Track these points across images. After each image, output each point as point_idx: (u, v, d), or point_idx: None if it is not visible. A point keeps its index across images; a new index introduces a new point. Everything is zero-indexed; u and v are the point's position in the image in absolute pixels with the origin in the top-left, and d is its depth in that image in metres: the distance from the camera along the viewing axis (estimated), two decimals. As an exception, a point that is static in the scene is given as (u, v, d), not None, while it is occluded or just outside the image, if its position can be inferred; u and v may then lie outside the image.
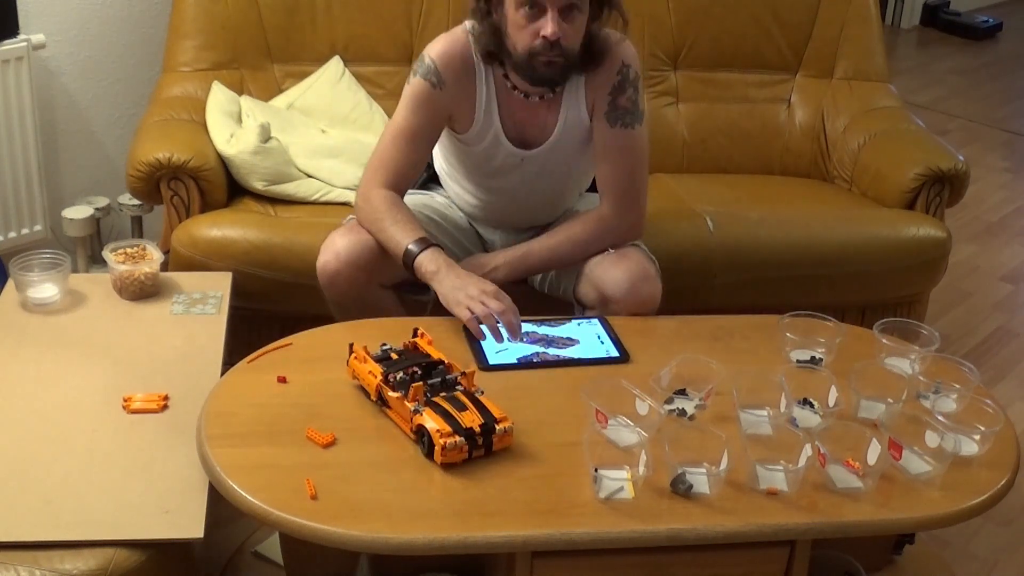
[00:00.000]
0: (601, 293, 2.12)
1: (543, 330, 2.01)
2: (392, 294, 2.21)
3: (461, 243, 2.33)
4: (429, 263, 2.01)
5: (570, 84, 2.14)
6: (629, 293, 2.09)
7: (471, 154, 2.23)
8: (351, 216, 2.22)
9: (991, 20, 6.28)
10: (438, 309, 2.21)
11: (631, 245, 2.20)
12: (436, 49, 2.12)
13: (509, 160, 2.20)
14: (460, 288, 1.98)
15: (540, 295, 2.38)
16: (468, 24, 2.12)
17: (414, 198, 2.33)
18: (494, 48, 2.07)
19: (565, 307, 2.27)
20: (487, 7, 2.05)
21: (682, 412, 1.78)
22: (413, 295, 2.24)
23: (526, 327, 2.01)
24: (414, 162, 2.16)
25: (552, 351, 1.95)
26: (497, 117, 2.15)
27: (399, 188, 2.14)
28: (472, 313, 1.94)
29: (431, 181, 2.42)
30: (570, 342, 1.98)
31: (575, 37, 2.03)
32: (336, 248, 2.10)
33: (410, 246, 2.03)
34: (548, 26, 1.98)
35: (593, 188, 2.41)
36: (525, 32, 2.01)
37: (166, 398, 1.87)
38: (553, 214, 2.35)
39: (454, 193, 2.36)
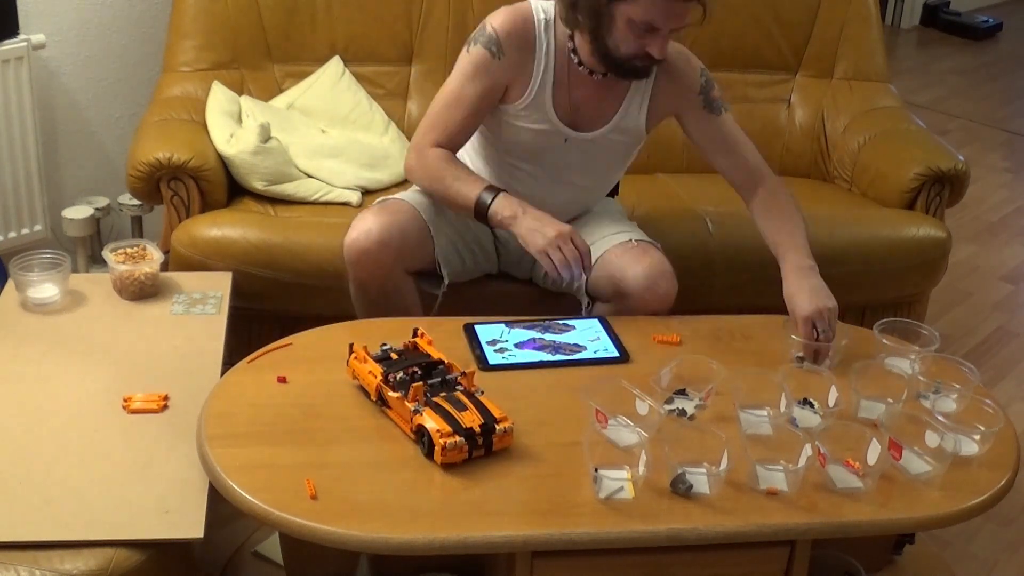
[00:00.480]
0: (619, 288, 2.12)
1: (549, 336, 2.01)
2: (413, 281, 2.21)
3: (470, 238, 2.33)
4: (504, 208, 2.05)
5: (637, 82, 2.17)
6: (648, 289, 2.09)
7: (512, 129, 2.22)
8: (383, 198, 2.25)
9: (991, 20, 6.28)
10: (447, 301, 2.22)
11: (648, 243, 2.21)
12: (499, 20, 2.13)
13: (552, 140, 2.20)
14: (538, 230, 2.03)
15: (540, 294, 2.38)
16: (536, 2, 2.15)
17: (422, 192, 2.33)
18: (590, 36, 2.07)
19: (565, 306, 2.27)
20: (593, 5, 2.03)
21: (682, 412, 1.79)
22: (425, 287, 2.25)
23: (531, 333, 2.01)
24: (466, 129, 2.18)
25: (559, 358, 1.95)
26: (550, 94, 2.16)
27: (452, 150, 2.17)
28: (550, 258, 2.01)
29: None
30: (577, 348, 1.98)
31: (671, 45, 2.10)
32: (368, 226, 2.10)
33: (482, 194, 2.07)
34: (658, 48, 2.04)
35: (611, 193, 2.42)
36: (632, 43, 2.04)
37: (166, 398, 1.87)
38: (571, 212, 2.34)
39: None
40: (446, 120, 2.16)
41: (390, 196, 2.28)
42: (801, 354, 1.96)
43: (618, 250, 2.18)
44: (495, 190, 2.08)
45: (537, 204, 2.28)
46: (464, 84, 2.14)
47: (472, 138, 2.28)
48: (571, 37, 2.14)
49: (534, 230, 2.03)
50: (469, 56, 2.14)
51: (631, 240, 2.20)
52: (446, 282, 2.24)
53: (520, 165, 2.26)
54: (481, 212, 2.08)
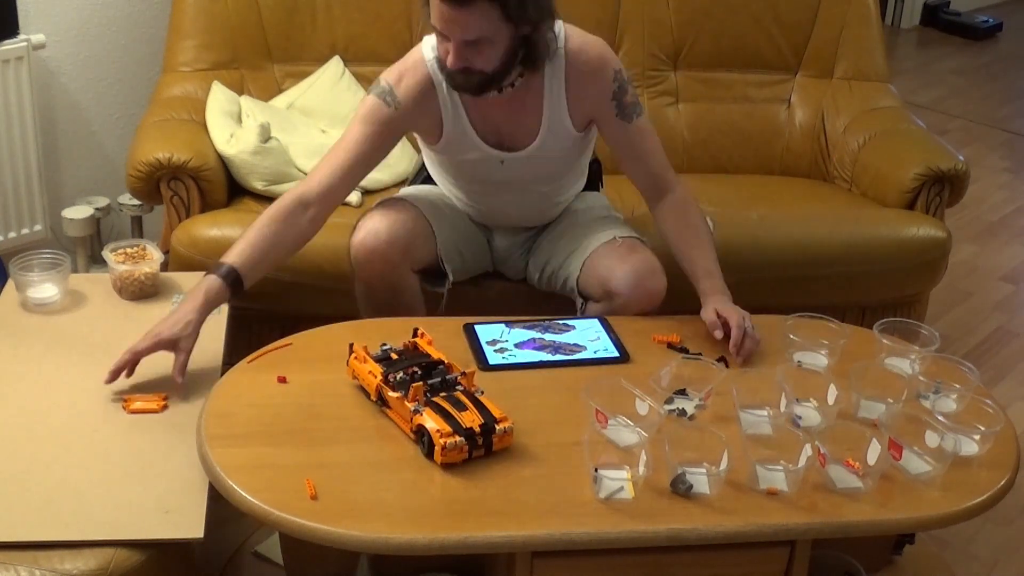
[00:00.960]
0: (606, 288, 2.13)
1: (549, 336, 2.01)
2: (417, 280, 2.21)
3: (468, 236, 2.34)
4: (196, 288, 1.95)
5: (550, 87, 2.11)
6: (636, 287, 2.09)
7: (451, 162, 2.24)
8: (384, 198, 2.25)
9: (991, 20, 6.28)
10: (452, 301, 2.22)
11: (636, 239, 2.21)
12: (393, 72, 2.11)
13: (490, 164, 2.19)
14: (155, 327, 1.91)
15: (539, 295, 2.38)
16: (425, 45, 2.10)
17: (425, 188, 2.34)
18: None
19: (565, 304, 2.27)
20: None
21: (682, 412, 1.78)
22: (429, 286, 2.25)
23: (531, 333, 2.01)
24: (350, 170, 2.08)
25: (559, 358, 1.95)
26: (468, 124, 2.14)
27: (326, 195, 2.05)
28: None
29: (431, 180, 2.41)
30: (577, 348, 1.98)
31: (488, 61, 1.99)
32: (376, 226, 2.10)
33: (213, 268, 1.97)
34: (450, 58, 1.98)
35: (591, 187, 2.41)
36: (440, 50, 2.01)
37: (166, 398, 1.87)
38: (548, 215, 2.35)
39: (452, 195, 2.36)
40: (331, 160, 2.08)
41: (390, 196, 2.29)
42: (799, 359, 1.96)
43: (604, 250, 2.18)
44: (217, 269, 1.95)
45: (510, 214, 2.30)
46: (353, 128, 2.09)
47: (431, 165, 2.31)
48: None
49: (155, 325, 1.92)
50: (363, 104, 2.11)
51: (615, 238, 2.20)
52: (451, 278, 2.24)
53: (475, 187, 2.28)
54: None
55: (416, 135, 2.26)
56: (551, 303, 2.34)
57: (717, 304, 2.02)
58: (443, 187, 2.35)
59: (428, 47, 2.10)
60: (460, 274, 2.30)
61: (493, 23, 1.94)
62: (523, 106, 2.13)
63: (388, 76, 2.11)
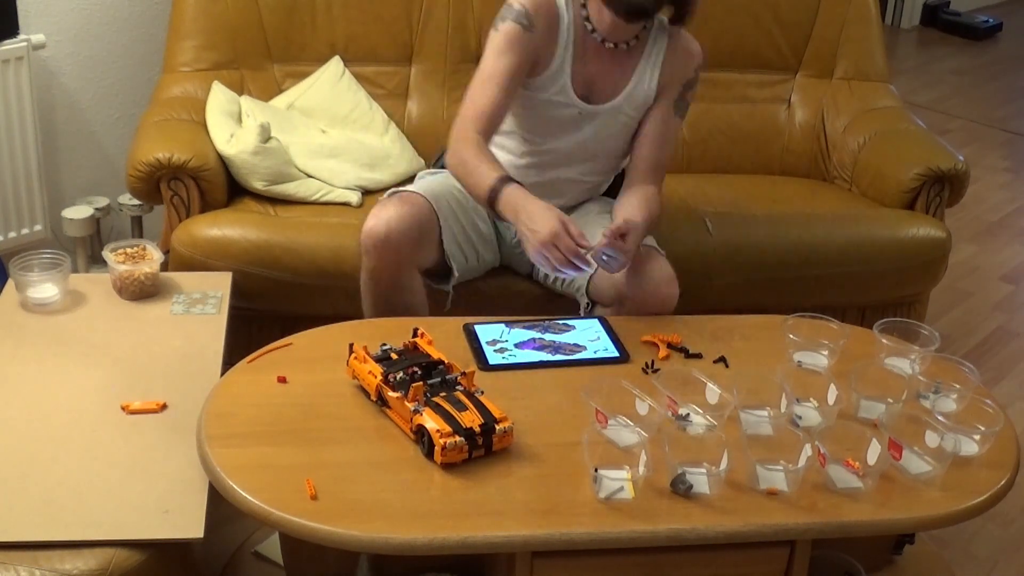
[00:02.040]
0: (621, 293, 2.12)
1: (549, 336, 2.01)
2: (421, 282, 2.21)
3: (475, 233, 2.33)
4: (506, 207, 2.02)
5: (650, 51, 2.22)
6: (651, 295, 2.10)
7: (530, 103, 2.25)
8: (395, 189, 2.25)
9: (991, 20, 6.28)
10: (458, 300, 2.22)
11: (651, 247, 2.22)
12: None
13: (567, 112, 2.24)
14: (532, 233, 1.98)
15: (540, 294, 2.38)
16: None
17: (433, 177, 2.34)
18: None
19: (568, 305, 2.27)
20: None
21: (686, 418, 1.78)
22: (435, 284, 2.25)
23: (531, 333, 2.01)
24: (503, 105, 2.17)
25: (559, 358, 1.95)
26: (569, 66, 2.19)
27: (489, 131, 2.16)
28: (549, 260, 1.97)
29: None
30: (577, 348, 1.98)
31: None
32: (389, 215, 2.11)
33: (493, 186, 2.04)
34: None
35: (609, 193, 2.42)
36: None
37: (163, 406, 1.86)
38: (584, 192, 2.39)
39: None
40: (483, 100, 2.15)
41: (403, 188, 2.28)
42: (799, 359, 1.96)
43: None
44: (505, 181, 2.04)
45: (553, 180, 2.32)
46: (498, 60, 2.15)
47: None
48: (584, 5, 2.18)
49: (528, 233, 1.99)
50: (500, 33, 2.16)
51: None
52: (456, 275, 2.24)
53: (534, 139, 2.29)
54: (491, 203, 2.06)
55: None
56: (552, 303, 2.34)
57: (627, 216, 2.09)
58: (497, 150, 2.34)
59: None
60: (466, 272, 2.30)
61: None
62: (620, 65, 2.23)
63: (522, 0, 2.16)
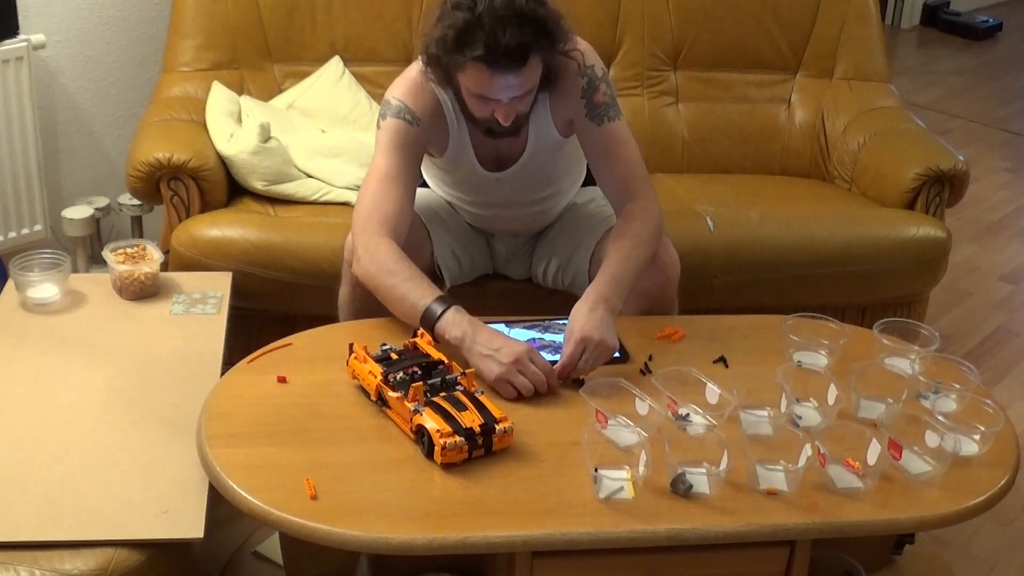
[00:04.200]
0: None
1: (549, 336, 2.01)
2: None
3: (467, 241, 2.33)
4: (454, 327, 1.84)
5: (535, 109, 2.07)
6: (652, 264, 2.04)
7: (447, 174, 2.24)
8: None
9: (991, 20, 6.28)
10: (454, 301, 2.21)
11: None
12: (400, 90, 2.06)
13: (485, 180, 2.19)
14: (492, 357, 1.81)
15: (541, 294, 2.38)
16: (420, 65, 2.05)
17: (424, 192, 2.33)
18: (458, 102, 2.04)
19: (567, 304, 2.27)
20: (443, 74, 1.97)
21: (687, 419, 1.77)
22: None
23: (531, 333, 2.01)
24: (406, 203, 2.04)
25: (559, 358, 1.94)
26: (470, 146, 2.12)
27: (398, 235, 2.00)
28: (511, 386, 1.80)
29: (426, 185, 2.41)
30: None
31: (529, 102, 1.99)
32: None
33: (432, 305, 1.87)
34: (502, 116, 1.95)
35: (590, 181, 2.41)
36: (479, 107, 1.97)
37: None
38: (548, 218, 2.34)
39: (449, 200, 2.36)
40: (384, 201, 2.00)
41: None
42: (799, 359, 1.96)
43: (609, 235, 2.15)
44: (446, 303, 1.87)
45: (509, 220, 2.27)
46: (390, 159, 2.04)
47: (428, 175, 2.29)
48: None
49: (487, 356, 1.80)
50: (384, 131, 2.05)
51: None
52: (448, 285, 2.24)
53: (472, 198, 2.27)
54: (428, 324, 1.86)
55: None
56: (552, 303, 2.34)
57: (587, 312, 1.89)
58: (442, 195, 2.35)
59: (424, 75, 2.05)
60: (457, 279, 2.30)
61: (538, 69, 1.94)
62: (514, 132, 2.08)
63: (398, 95, 2.06)
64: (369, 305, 2.11)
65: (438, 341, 1.86)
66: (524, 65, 1.88)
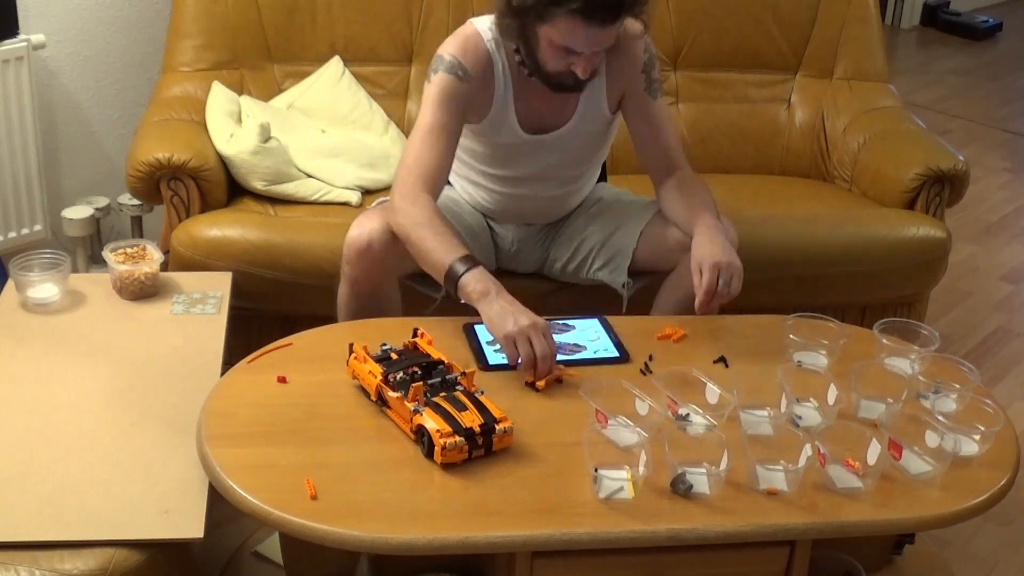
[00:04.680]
0: (682, 242, 2.12)
1: (550, 335, 2.01)
2: (399, 291, 2.21)
3: (469, 238, 2.31)
4: (477, 283, 1.89)
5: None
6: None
7: (484, 144, 2.22)
8: (384, 199, 2.23)
9: (991, 20, 6.28)
10: (443, 309, 2.21)
11: None
12: (453, 46, 2.11)
13: (522, 148, 2.20)
14: (511, 315, 1.85)
15: (540, 294, 2.38)
16: (478, 23, 2.12)
17: None
18: (523, 50, 2.07)
19: (567, 304, 2.27)
20: (519, 25, 2.01)
21: (687, 419, 1.77)
22: (423, 289, 2.24)
23: None
24: (448, 160, 2.11)
25: (559, 358, 1.94)
26: (512, 108, 2.15)
27: (437, 190, 2.07)
28: (516, 349, 1.83)
29: None
30: (577, 348, 1.98)
31: (600, 62, 2.05)
32: (373, 225, 2.08)
33: (455, 264, 1.92)
34: (581, 68, 2.01)
35: (601, 177, 2.42)
36: (557, 60, 2.02)
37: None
38: (565, 207, 2.35)
39: (464, 189, 2.36)
40: (427, 155, 2.07)
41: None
42: (799, 359, 1.96)
43: (663, 217, 2.22)
44: (472, 262, 1.92)
45: (531, 203, 2.29)
46: (436, 113, 2.08)
47: (458, 151, 2.26)
48: (517, 50, 2.11)
49: (506, 313, 1.85)
50: (435, 85, 2.09)
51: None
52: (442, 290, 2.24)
53: (501, 173, 2.27)
54: (451, 280, 1.92)
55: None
56: (554, 301, 2.34)
57: (711, 241, 2.02)
58: (463, 179, 2.33)
59: (484, 26, 2.12)
60: None
61: (621, 27, 2.00)
62: (564, 95, 2.15)
63: (451, 50, 2.10)
64: (369, 306, 2.12)
65: (460, 298, 1.93)
66: (617, 19, 1.95)
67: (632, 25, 2.11)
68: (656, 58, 2.20)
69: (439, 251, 1.96)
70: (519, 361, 1.83)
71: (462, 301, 1.93)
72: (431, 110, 2.09)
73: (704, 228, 2.06)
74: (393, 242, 2.09)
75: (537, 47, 2.03)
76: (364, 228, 2.09)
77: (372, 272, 2.11)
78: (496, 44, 2.11)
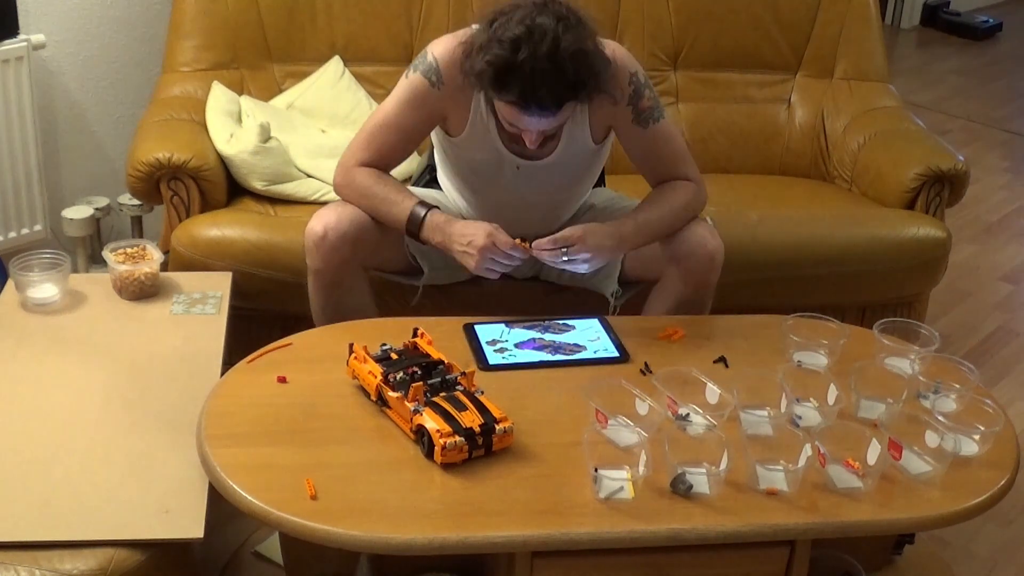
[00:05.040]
0: (673, 254, 2.11)
1: (549, 336, 2.01)
2: (367, 281, 2.19)
3: None
4: (434, 233, 2.03)
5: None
6: (699, 247, 2.09)
7: (463, 158, 2.20)
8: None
9: (991, 20, 6.28)
10: (426, 295, 2.21)
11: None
12: (440, 48, 2.07)
13: (505, 168, 2.16)
14: (465, 251, 2.01)
15: (540, 293, 2.38)
16: (469, 33, 2.06)
17: (422, 191, 2.33)
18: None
19: (566, 304, 2.27)
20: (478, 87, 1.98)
21: (686, 418, 1.78)
22: (401, 279, 2.24)
23: (531, 333, 2.01)
24: (396, 154, 2.14)
25: (559, 358, 1.95)
26: (495, 124, 2.09)
27: (382, 170, 2.13)
28: (492, 271, 2.00)
29: (433, 183, 2.40)
30: (577, 348, 1.98)
31: (559, 129, 2.05)
32: (327, 217, 2.08)
33: (414, 209, 2.04)
34: (528, 140, 1.99)
35: (599, 183, 2.41)
36: (509, 127, 2.00)
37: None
38: (548, 227, 2.31)
39: (455, 202, 2.34)
40: (379, 142, 2.11)
41: None
42: (799, 359, 1.96)
43: None
44: (426, 207, 2.05)
45: (509, 220, 2.19)
46: (400, 110, 2.09)
47: (438, 156, 2.28)
48: None
49: (463, 253, 2.02)
50: (408, 82, 2.09)
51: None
52: (426, 271, 2.23)
53: (479, 187, 2.24)
54: (413, 231, 2.06)
55: (439, 124, 2.19)
56: (553, 303, 2.34)
57: (594, 224, 2.06)
58: (450, 189, 2.33)
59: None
60: (446, 275, 2.27)
61: (572, 110, 1.97)
62: None
63: (438, 53, 2.07)
64: (336, 297, 2.11)
65: (424, 241, 2.07)
66: (558, 111, 1.91)
67: (616, 61, 2.03)
68: (646, 85, 2.10)
69: (396, 204, 2.06)
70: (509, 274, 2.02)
71: (429, 243, 2.05)
72: (395, 105, 2.11)
73: (611, 223, 2.08)
74: (348, 231, 2.07)
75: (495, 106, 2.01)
76: (320, 220, 2.08)
77: (331, 261, 2.08)
78: (498, 127, 2.08)
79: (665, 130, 2.16)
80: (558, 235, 2.03)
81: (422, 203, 2.06)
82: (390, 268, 2.24)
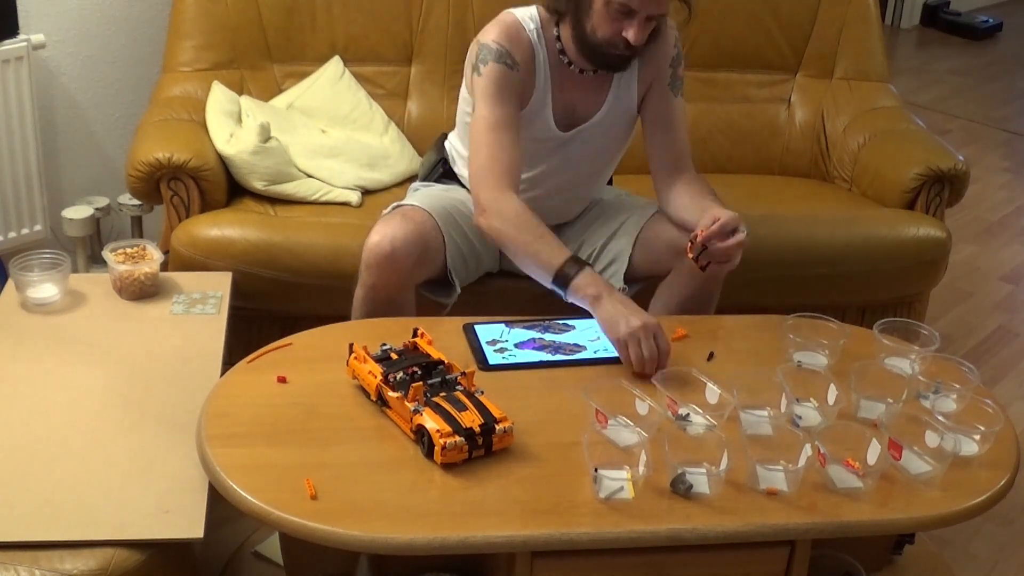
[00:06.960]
0: (680, 248, 2.09)
1: (549, 336, 2.01)
2: (415, 299, 2.19)
3: (476, 241, 2.30)
4: (588, 286, 1.94)
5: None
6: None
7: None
8: (397, 204, 2.23)
9: (991, 20, 6.28)
10: (453, 314, 2.21)
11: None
12: (496, 33, 2.10)
13: (549, 144, 2.20)
14: (623, 317, 1.88)
15: (542, 292, 2.38)
16: (519, 13, 2.13)
17: (431, 190, 2.33)
18: (571, 20, 2.08)
19: (567, 305, 2.27)
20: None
21: (686, 418, 1.78)
22: (434, 296, 2.23)
23: (531, 333, 2.01)
24: (519, 152, 2.09)
25: (559, 358, 1.95)
26: (549, 102, 2.15)
27: (516, 185, 2.08)
28: (628, 350, 1.87)
29: (446, 176, 2.40)
30: (577, 348, 1.98)
31: (646, 36, 2.06)
32: (393, 232, 2.07)
33: (566, 265, 1.96)
34: (633, 32, 2.02)
35: (608, 182, 2.42)
36: (609, 25, 2.03)
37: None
38: (579, 207, 2.36)
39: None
40: (499, 152, 2.06)
41: (405, 203, 2.26)
42: (799, 359, 1.96)
43: (660, 219, 2.21)
44: (580, 263, 1.97)
45: (547, 201, 2.27)
46: (497, 107, 2.07)
47: (463, 143, 2.27)
48: (558, 38, 2.13)
49: (618, 316, 1.88)
50: (487, 77, 2.08)
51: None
52: (458, 291, 2.23)
53: (528, 161, 2.23)
54: (562, 281, 1.97)
55: None
56: (552, 303, 2.34)
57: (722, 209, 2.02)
58: None
59: (525, 15, 2.13)
60: (464, 281, 2.29)
61: None
62: (595, 86, 2.17)
63: (496, 38, 2.08)
64: (384, 312, 2.10)
65: (570, 300, 1.97)
66: None
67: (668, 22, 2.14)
68: (682, 57, 2.22)
69: (545, 253, 2.00)
70: (634, 367, 1.87)
71: (568, 300, 1.97)
72: (490, 104, 2.08)
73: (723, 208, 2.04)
74: (412, 248, 2.08)
75: (590, 13, 2.03)
76: (386, 235, 2.07)
77: (391, 280, 2.09)
78: (537, 35, 2.12)
79: (683, 106, 2.24)
80: (722, 220, 1.95)
81: (575, 259, 1.99)
82: (423, 279, 2.22)
